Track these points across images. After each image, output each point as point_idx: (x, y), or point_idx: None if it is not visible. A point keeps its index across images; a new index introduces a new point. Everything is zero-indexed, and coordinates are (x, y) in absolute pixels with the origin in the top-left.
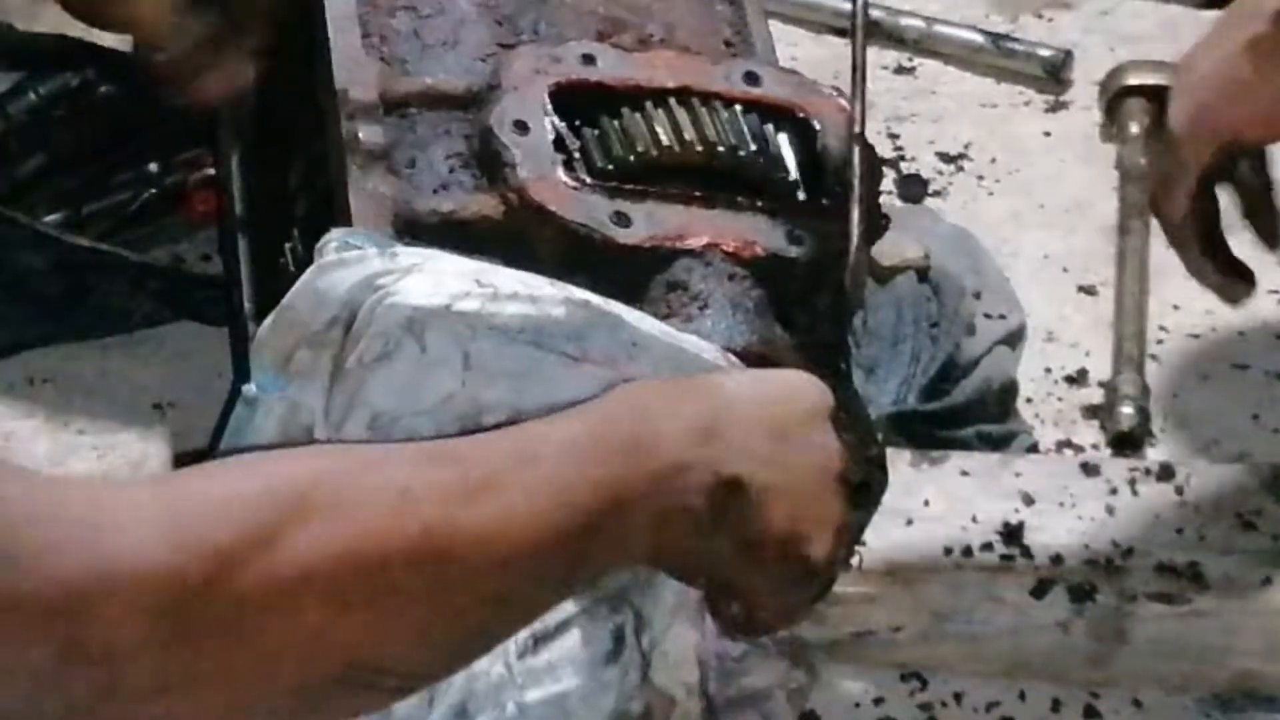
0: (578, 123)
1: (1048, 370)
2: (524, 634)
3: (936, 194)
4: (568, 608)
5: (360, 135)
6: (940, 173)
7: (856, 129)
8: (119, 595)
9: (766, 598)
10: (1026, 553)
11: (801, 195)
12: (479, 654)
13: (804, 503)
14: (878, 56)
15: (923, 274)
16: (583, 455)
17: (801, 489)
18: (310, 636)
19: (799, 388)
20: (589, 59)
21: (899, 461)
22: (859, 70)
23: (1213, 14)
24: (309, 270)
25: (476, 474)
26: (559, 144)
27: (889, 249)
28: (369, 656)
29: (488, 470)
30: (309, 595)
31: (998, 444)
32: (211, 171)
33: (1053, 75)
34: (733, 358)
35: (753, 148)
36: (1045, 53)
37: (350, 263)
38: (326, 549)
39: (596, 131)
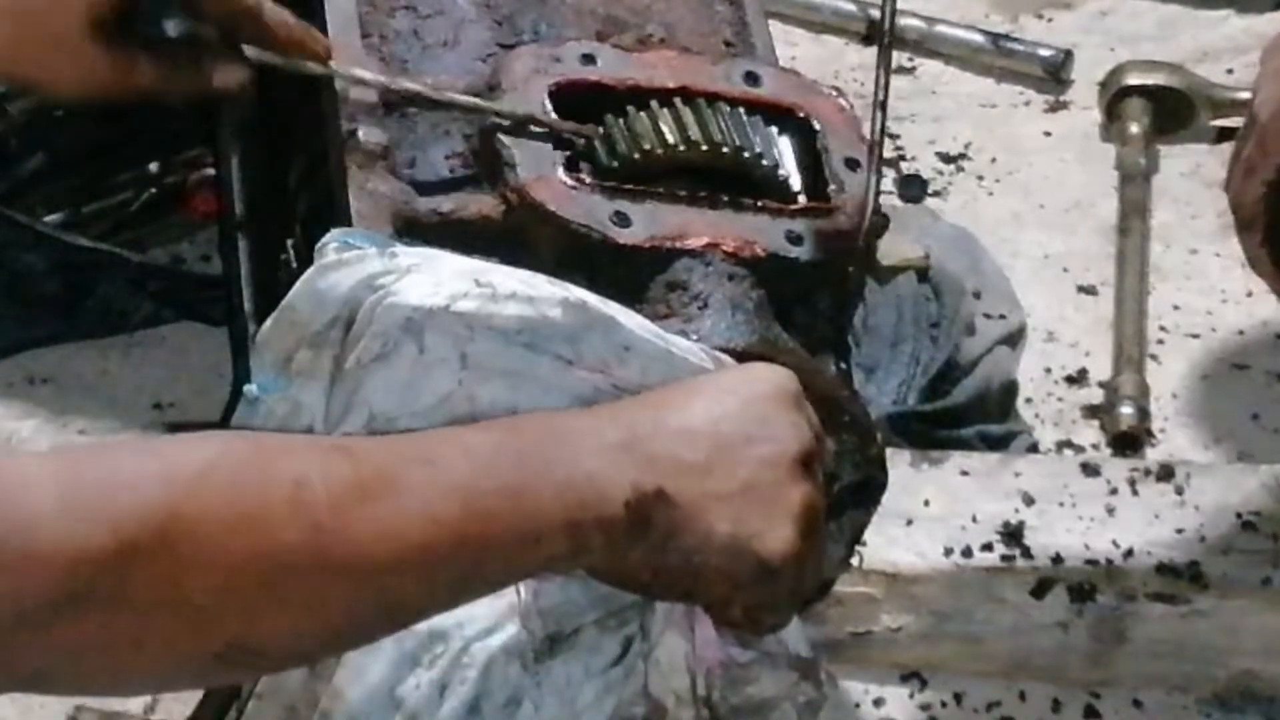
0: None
1: (1048, 370)
2: (540, 636)
3: (936, 194)
4: (582, 616)
5: (360, 135)
6: (940, 173)
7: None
8: (9, 563)
9: (732, 602)
10: (1026, 553)
11: (801, 196)
12: (362, 644)
13: (750, 502)
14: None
15: (923, 274)
16: (484, 462)
17: (746, 489)
18: (196, 617)
19: (751, 380)
20: (589, 59)
21: (899, 461)
22: (886, 41)
23: (1209, 13)
24: (309, 270)
25: (373, 472)
26: (559, 144)
27: (889, 249)
28: (250, 639)
29: (385, 469)
30: (198, 578)
31: (998, 444)
32: (211, 171)
33: (1053, 75)
34: (727, 359)
35: (757, 149)
36: (1045, 53)
37: (350, 263)
38: (219, 535)
39: (601, 130)
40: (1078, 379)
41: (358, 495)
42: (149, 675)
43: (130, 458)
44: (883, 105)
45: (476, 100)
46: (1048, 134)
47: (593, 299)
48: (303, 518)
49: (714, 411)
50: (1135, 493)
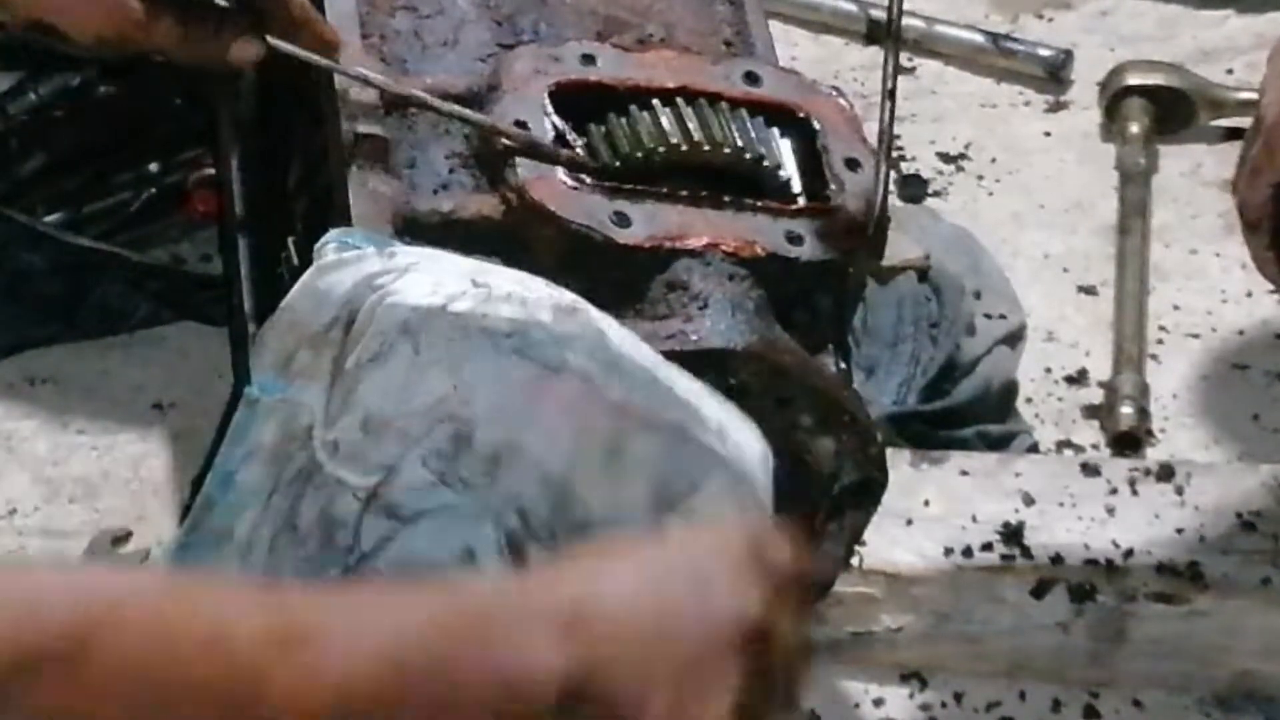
0: (571, 124)
1: (1048, 370)
2: None
3: (936, 194)
4: None
5: (360, 135)
6: (940, 173)
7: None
8: None
9: None
10: (1026, 553)
11: (801, 196)
12: None
13: (687, 685)
14: (877, 56)
15: (923, 274)
16: (415, 628)
17: (689, 668)
18: None
19: (694, 552)
20: (589, 59)
21: (899, 461)
22: (894, 30)
23: (1209, 13)
24: (309, 270)
25: (295, 621)
26: (559, 144)
27: (889, 249)
28: None
29: (308, 619)
30: (102, 705)
31: (998, 444)
32: (211, 171)
33: (1053, 75)
34: (712, 401)
35: (760, 150)
36: (1045, 53)
37: (350, 263)
38: (127, 665)
39: (603, 129)
40: (1078, 379)
41: (277, 642)
42: None
43: (48, 576)
44: (891, 94)
45: (482, 118)
46: (1048, 134)
47: (585, 307)
48: (218, 662)
49: (652, 589)
50: (1135, 493)
